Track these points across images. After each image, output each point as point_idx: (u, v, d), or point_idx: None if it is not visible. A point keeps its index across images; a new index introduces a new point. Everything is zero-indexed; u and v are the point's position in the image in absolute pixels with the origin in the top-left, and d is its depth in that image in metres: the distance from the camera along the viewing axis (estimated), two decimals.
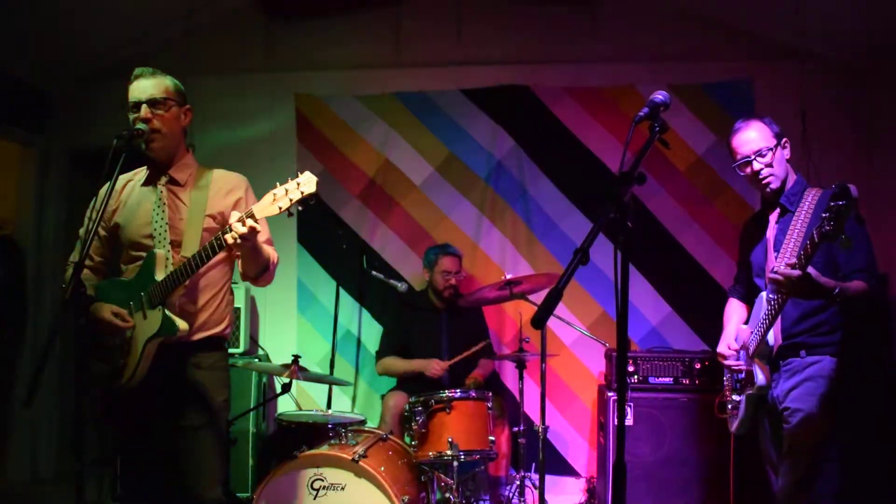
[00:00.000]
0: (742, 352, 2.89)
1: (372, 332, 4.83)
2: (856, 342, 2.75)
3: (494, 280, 4.25)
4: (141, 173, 2.76)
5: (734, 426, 2.94)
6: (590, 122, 4.82)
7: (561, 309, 4.51)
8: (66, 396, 5.14)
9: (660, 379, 4.11)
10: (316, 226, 4.90)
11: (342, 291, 4.74)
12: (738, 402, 2.90)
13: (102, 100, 5.19)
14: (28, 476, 5.05)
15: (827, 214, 2.21)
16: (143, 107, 2.59)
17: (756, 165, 2.78)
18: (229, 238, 2.38)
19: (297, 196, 2.31)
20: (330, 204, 4.92)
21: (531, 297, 4.00)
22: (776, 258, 2.74)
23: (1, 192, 5.24)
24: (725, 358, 2.93)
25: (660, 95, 2.18)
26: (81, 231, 2.75)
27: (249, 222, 2.35)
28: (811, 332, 2.73)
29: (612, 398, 4.04)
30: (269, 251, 2.71)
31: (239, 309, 4.58)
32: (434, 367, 4.12)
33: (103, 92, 5.20)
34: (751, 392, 2.83)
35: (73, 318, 2.48)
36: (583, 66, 4.84)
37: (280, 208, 2.33)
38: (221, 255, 2.61)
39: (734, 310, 3.12)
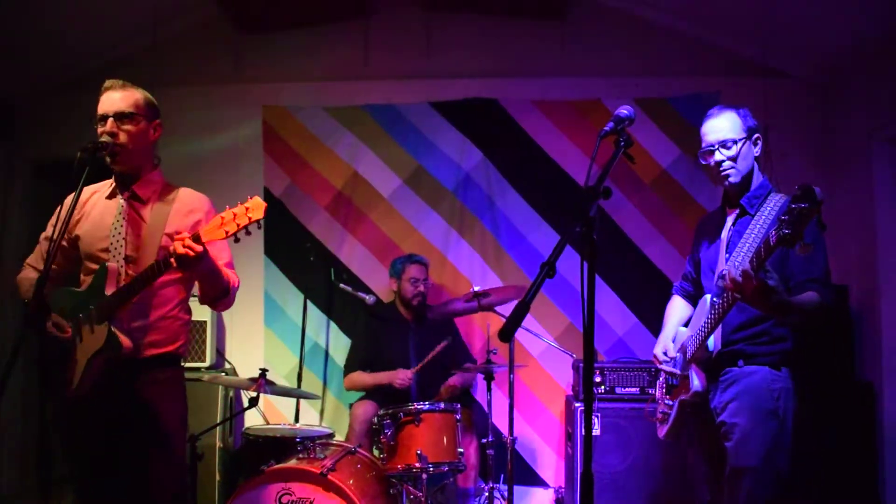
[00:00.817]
0: (679, 355, 2.78)
1: (340, 345, 4.81)
2: (810, 355, 2.66)
3: (463, 291, 4.28)
4: (107, 185, 2.73)
5: (663, 432, 2.85)
6: (557, 136, 4.87)
7: (528, 320, 4.54)
8: (28, 409, 5.04)
9: (626, 389, 4.16)
10: (283, 238, 4.88)
11: (310, 304, 4.72)
12: (671, 406, 2.79)
13: (68, 110, 5.13)
14: None
15: (787, 217, 2.05)
16: (110, 120, 2.57)
17: (717, 156, 2.65)
18: (173, 259, 2.35)
19: (244, 221, 2.30)
20: (297, 216, 4.91)
21: (499, 309, 4.03)
22: (727, 260, 2.63)
23: None
24: (660, 362, 2.84)
25: (624, 110, 2.23)
26: (42, 236, 2.73)
27: (189, 245, 2.32)
28: (751, 341, 2.60)
29: (580, 408, 4.07)
30: (230, 275, 2.68)
31: (205, 322, 4.54)
32: (400, 377, 4.13)
33: (70, 103, 5.15)
34: (684, 398, 2.70)
35: (36, 330, 2.45)
36: (550, 80, 4.90)
37: (227, 232, 2.32)
38: (174, 274, 2.58)
39: (676, 309, 3.02)
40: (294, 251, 4.86)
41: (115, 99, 2.60)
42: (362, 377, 4.34)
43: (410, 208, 4.91)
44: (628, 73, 4.85)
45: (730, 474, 2.54)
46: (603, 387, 4.15)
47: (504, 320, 3.90)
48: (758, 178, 2.71)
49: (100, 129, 2.58)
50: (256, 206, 2.30)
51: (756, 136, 2.70)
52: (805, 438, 2.73)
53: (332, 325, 4.87)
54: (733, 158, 2.65)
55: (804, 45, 4.57)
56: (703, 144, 2.70)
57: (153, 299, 2.60)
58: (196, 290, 2.74)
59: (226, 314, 4.89)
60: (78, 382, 2.48)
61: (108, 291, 2.48)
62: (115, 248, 2.59)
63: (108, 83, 2.63)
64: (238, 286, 2.73)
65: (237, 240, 2.35)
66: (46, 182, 5.26)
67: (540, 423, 4.72)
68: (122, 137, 2.59)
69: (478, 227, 4.86)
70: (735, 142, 2.64)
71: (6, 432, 5.03)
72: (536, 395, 4.73)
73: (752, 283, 2.24)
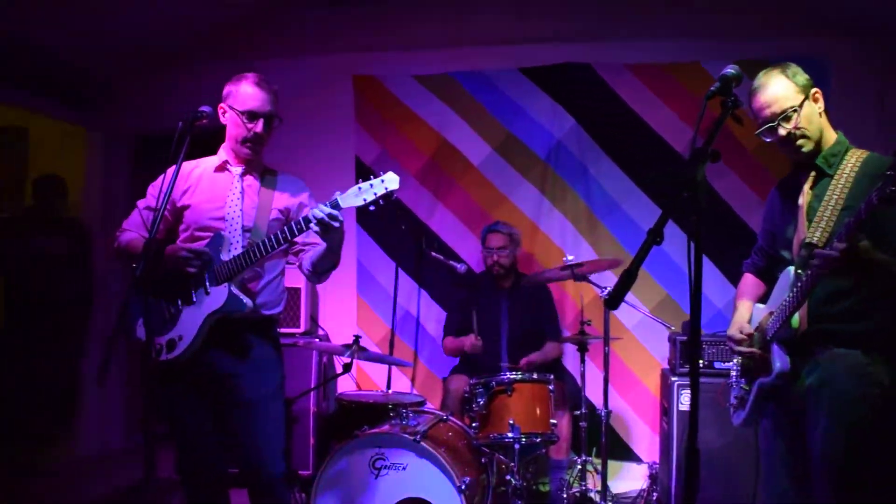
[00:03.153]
0: (757, 335, 2.56)
1: (431, 313, 4.85)
2: None
3: (555, 262, 4.21)
4: (212, 160, 2.84)
5: (739, 418, 2.62)
6: (653, 100, 4.71)
7: None
8: (133, 371, 5.28)
9: (726, 364, 4.00)
10: (376, 206, 4.90)
11: (401, 272, 4.76)
12: (748, 390, 2.57)
13: (164, 84, 5.31)
14: (97, 450, 5.22)
15: (893, 173, 1.92)
16: (262, 121, 2.72)
17: (782, 131, 2.39)
18: (317, 215, 2.46)
19: (381, 191, 2.44)
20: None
21: (593, 279, 3.94)
22: (808, 228, 2.39)
23: (68, 174, 5.36)
24: (737, 343, 2.60)
25: (731, 69, 2.09)
26: (141, 203, 2.85)
27: (332, 212, 2.46)
28: (841, 319, 2.33)
29: (677, 383, 3.95)
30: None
31: (299, 289, 4.63)
32: (467, 343, 4.15)
33: (165, 76, 5.33)
34: (765, 380, 2.47)
35: (145, 292, 2.55)
36: (646, 42, 4.71)
37: (364, 200, 2.45)
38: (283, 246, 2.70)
39: (749, 286, 2.77)
40: (385, 220, 4.88)
41: (268, 99, 2.74)
42: (449, 342, 4.40)
43: (501, 176, 4.86)
44: (728, 34, 4.60)
45: (814, 467, 2.33)
46: (701, 361, 4.02)
47: (598, 290, 3.89)
48: (830, 135, 2.45)
49: (248, 126, 2.71)
50: (392, 179, 2.44)
51: (813, 90, 2.43)
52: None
53: (424, 293, 4.90)
54: (798, 127, 2.39)
55: None
56: (760, 122, 2.44)
57: (265, 265, 2.76)
58: (297, 262, 2.86)
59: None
60: (190, 342, 2.60)
61: (224, 257, 2.63)
62: (233, 219, 2.72)
63: (257, 78, 2.75)
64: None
65: (372, 208, 2.48)
66: (146, 156, 5.46)
67: (634, 397, 4.63)
68: (266, 138, 2.77)
69: (570, 195, 4.77)
70: (795, 109, 2.38)
71: (114, 394, 5.30)
72: (631, 368, 4.63)
73: (855, 255, 2.10)
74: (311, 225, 2.49)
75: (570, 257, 3.85)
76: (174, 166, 2.57)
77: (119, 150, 5.47)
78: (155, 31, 4.97)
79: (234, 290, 2.61)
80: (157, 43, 5.10)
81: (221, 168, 2.81)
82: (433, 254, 4.51)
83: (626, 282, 1.75)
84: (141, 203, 2.87)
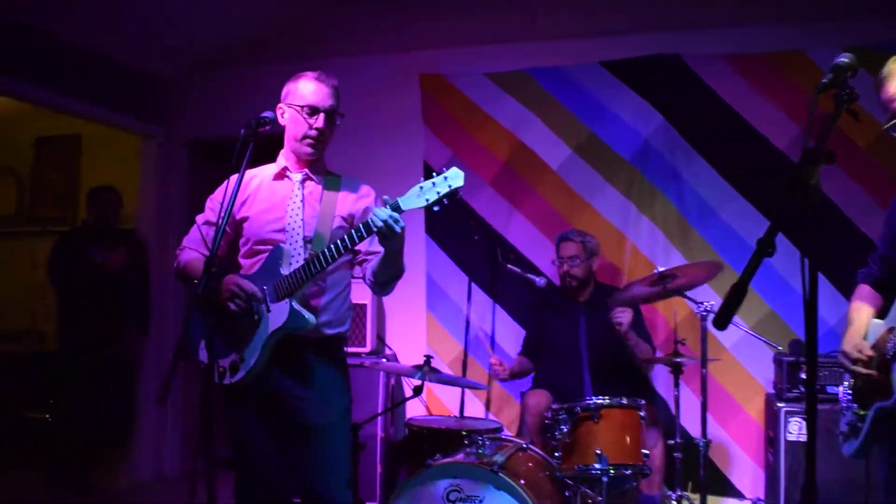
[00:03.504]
0: (875, 354, 2.43)
1: (507, 332, 4.82)
2: None
3: (644, 273, 4.13)
4: (271, 167, 2.87)
5: (852, 448, 2.50)
6: (751, 94, 4.60)
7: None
8: (190, 392, 5.43)
9: (839, 388, 3.86)
10: (445, 215, 4.91)
11: (474, 287, 4.75)
12: (862, 418, 2.45)
13: (222, 87, 5.46)
14: (153, 474, 5.37)
15: None
16: (322, 116, 2.74)
17: None
18: (376, 222, 2.43)
19: (444, 190, 2.38)
20: (460, 193, 4.93)
21: (688, 293, 3.86)
22: None
23: (122, 185, 5.56)
24: (853, 361, 2.46)
25: (845, 57, 2.01)
26: (200, 219, 2.90)
27: (394, 215, 2.42)
28: None
29: (784, 409, 3.83)
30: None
31: (365, 305, 4.67)
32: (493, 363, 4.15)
33: (224, 79, 5.48)
34: (884, 405, 2.35)
35: (206, 311, 2.60)
36: (742, 28, 4.60)
37: (427, 200, 2.40)
38: (347, 256, 2.71)
39: (865, 299, 2.65)
40: (457, 230, 4.90)
41: (328, 94, 2.76)
42: (517, 363, 4.41)
43: (582, 181, 4.81)
44: (836, 17, 4.45)
45: None
46: None
47: (693, 306, 3.80)
48: None
49: (308, 121, 2.74)
50: (455, 176, 2.38)
51: None
52: None
53: (499, 309, 4.88)
54: None
55: None
56: (890, 114, 2.36)
57: (327, 279, 2.75)
58: (358, 272, 2.85)
59: (387, 298, 5.02)
60: (254, 363, 2.63)
61: (284, 272, 2.63)
62: (293, 230, 2.73)
63: (317, 73, 2.78)
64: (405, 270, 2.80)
65: (436, 209, 2.43)
66: (203, 163, 5.62)
67: (735, 425, 4.49)
68: (328, 135, 2.79)
69: (660, 200, 4.69)
70: None
71: (170, 418, 5.44)
72: (731, 393, 4.49)
73: None
74: (373, 229, 2.45)
75: (661, 268, 3.78)
76: (234, 175, 2.62)
77: (175, 158, 5.64)
78: (212, 33, 5.12)
79: (296, 306, 2.60)
80: (214, 45, 5.24)
81: (280, 175, 2.83)
82: (509, 266, 4.50)
83: (735, 299, 1.70)
84: (199, 218, 2.92)
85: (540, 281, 4.32)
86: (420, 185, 2.42)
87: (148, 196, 5.63)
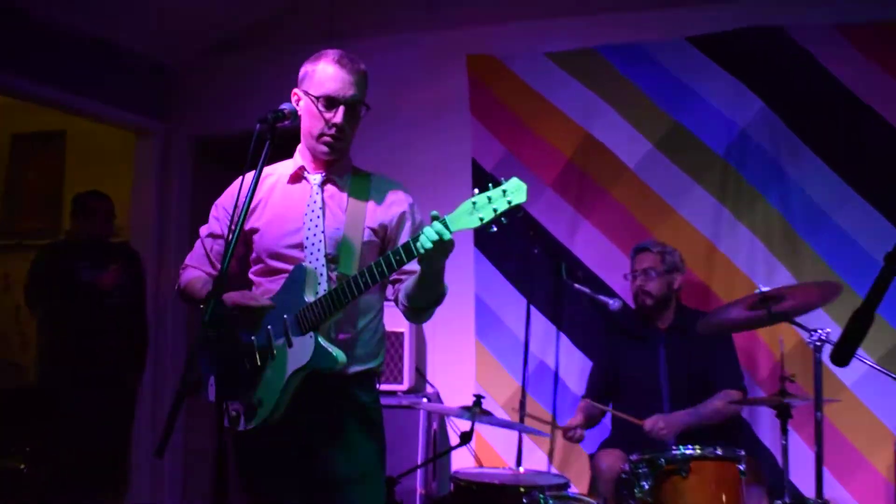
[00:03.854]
0: None
1: (573, 365, 4.81)
2: None
3: (740, 293, 4.07)
4: (284, 167, 2.86)
5: None
6: (872, 72, 4.56)
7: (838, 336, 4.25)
8: (194, 430, 5.49)
9: None
10: (498, 226, 4.92)
11: (534, 311, 4.72)
12: None
13: (228, 75, 5.52)
14: None
15: None
16: (342, 109, 2.69)
17: None
18: (425, 244, 2.38)
19: (503, 206, 2.29)
20: None
21: (797, 319, 3.79)
22: None
23: (113, 190, 5.60)
24: None
25: None
26: (204, 231, 2.90)
27: (446, 234, 2.37)
28: None
29: None
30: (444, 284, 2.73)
31: (401, 334, 4.68)
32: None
33: (229, 65, 5.54)
34: None
35: (216, 340, 2.60)
36: None
37: (481, 220, 2.32)
38: None
39: None
40: (512, 242, 4.88)
41: (349, 82, 2.70)
42: (583, 407, 4.33)
43: (665, 181, 4.81)
44: None
45: None
46: None
47: (803, 334, 3.73)
48: None
49: (325, 115, 2.69)
50: (516, 189, 2.29)
51: None
52: None
53: (564, 338, 4.87)
54: None
55: None
56: None
57: (357, 305, 2.71)
58: (390, 294, 2.82)
59: (428, 325, 5.02)
60: (273, 407, 2.61)
61: (309, 298, 2.60)
62: (313, 245, 2.71)
63: (338, 54, 2.73)
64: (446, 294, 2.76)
65: (492, 229, 2.34)
66: (210, 163, 5.69)
67: (858, 482, 4.39)
68: (350, 131, 2.75)
69: (760, 203, 4.65)
70: None
71: (167, 468, 5.51)
72: (852, 441, 4.40)
73: None
74: (417, 253, 2.42)
75: (763, 288, 3.72)
76: (249, 174, 2.58)
77: (177, 159, 5.74)
78: (220, 11, 5.19)
79: (323, 342, 2.58)
80: (222, 26, 5.32)
81: (297, 177, 2.81)
82: (576, 286, 4.49)
83: (859, 327, 1.64)
84: (203, 230, 2.92)
85: (614, 304, 4.30)
86: (472, 199, 2.34)
87: (144, 203, 5.72)
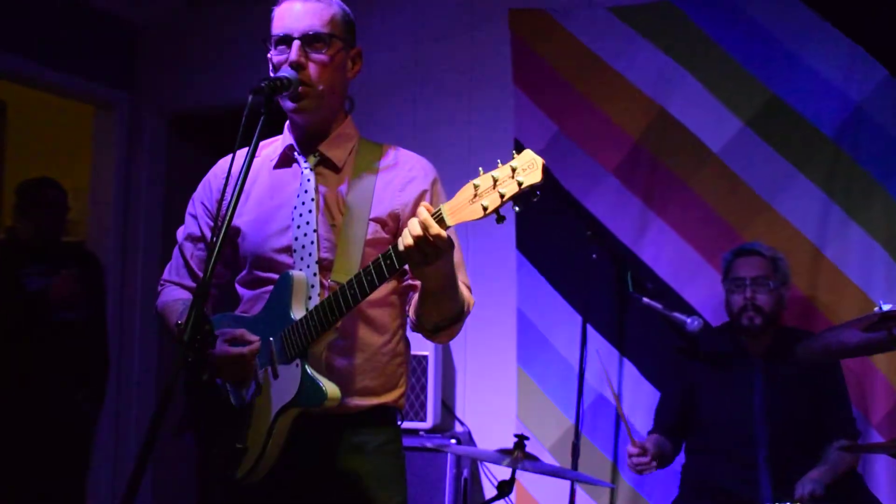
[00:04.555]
0: None
1: (640, 398, 4.83)
2: None
3: (852, 309, 4.10)
4: (268, 149, 2.83)
5: None
6: None
7: None
8: (165, 478, 5.55)
9: None
10: (546, 223, 4.97)
11: (591, 331, 4.76)
12: None
13: (210, 33, 5.57)
14: None
15: None
16: (296, 44, 2.61)
17: None
18: (401, 242, 2.31)
19: (511, 189, 2.14)
20: (569, 187, 5.00)
21: None
22: None
23: (66, 177, 5.62)
24: None
25: None
26: (181, 234, 2.90)
27: (432, 227, 2.26)
28: None
29: None
30: (465, 293, 2.69)
31: (425, 358, 4.71)
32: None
33: (212, 20, 5.59)
34: None
35: (198, 369, 2.63)
36: None
37: (484, 208, 2.19)
38: (392, 284, 2.67)
39: None
40: (565, 244, 4.93)
41: (301, 12, 2.64)
42: (652, 442, 4.32)
43: (759, 169, 4.82)
44: None
45: None
46: None
47: None
48: None
49: (276, 58, 2.65)
50: (529, 165, 2.12)
51: None
52: None
53: (629, 365, 4.90)
54: None
55: None
56: None
57: (361, 324, 2.69)
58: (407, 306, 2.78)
59: (456, 348, 5.06)
60: (260, 453, 2.59)
61: (297, 314, 2.56)
62: (304, 248, 2.67)
63: None
64: (471, 309, 2.73)
65: (501, 218, 2.20)
66: (188, 143, 5.75)
67: None
68: (311, 73, 2.63)
69: (880, 198, 4.65)
70: None
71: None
72: None
73: None
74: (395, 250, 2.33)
75: (885, 306, 3.74)
76: (240, 152, 2.43)
77: (146, 138, 5.79)
78: None
79: (310, 371, 2.51)
80: None
81: (286, 159, 2.78)
82: (645, 300, 4.50)
83: None
84: (180, 233, 2.91)
85: (692, 323, 4.30)
86: (475, 181, 2.20)
87: (104, 193, 5.76)
